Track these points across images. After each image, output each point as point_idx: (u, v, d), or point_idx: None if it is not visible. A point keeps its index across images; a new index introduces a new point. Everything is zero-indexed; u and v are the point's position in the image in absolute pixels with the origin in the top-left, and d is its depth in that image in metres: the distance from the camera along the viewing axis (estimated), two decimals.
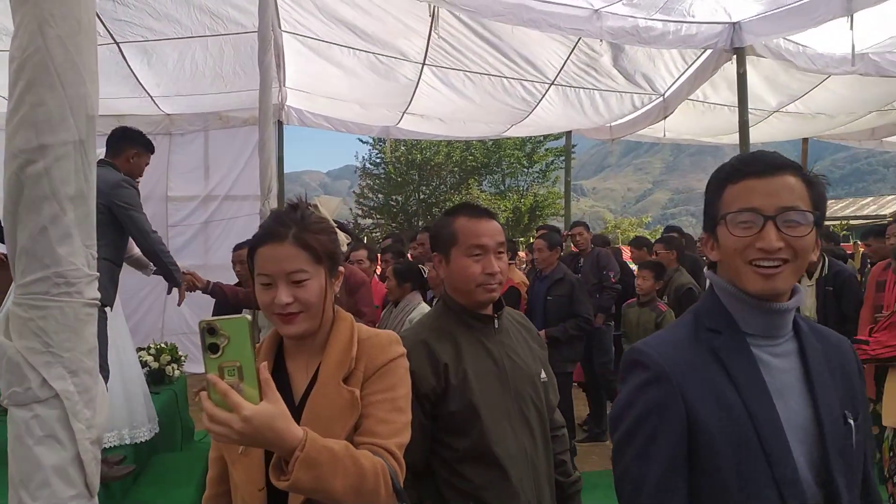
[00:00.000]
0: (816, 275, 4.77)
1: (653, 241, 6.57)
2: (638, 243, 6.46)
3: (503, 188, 28.92)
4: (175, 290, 3.82)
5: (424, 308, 4.08)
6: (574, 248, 6.34)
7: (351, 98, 7.03)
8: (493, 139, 21.92)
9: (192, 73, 5.96)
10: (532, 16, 4.62)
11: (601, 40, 4.97)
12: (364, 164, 28.89)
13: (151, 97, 6.39)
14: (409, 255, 5.99)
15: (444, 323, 1.81)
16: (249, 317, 1.14)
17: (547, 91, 6.88)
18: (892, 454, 3.71)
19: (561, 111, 7.48)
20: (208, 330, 1.10)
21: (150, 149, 3.83)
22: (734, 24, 5.23)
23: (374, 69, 6.13)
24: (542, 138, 24.43)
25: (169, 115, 7.02)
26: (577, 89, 6.96)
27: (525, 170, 28.23)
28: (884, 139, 9.81)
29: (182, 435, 4.73)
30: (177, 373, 4.77)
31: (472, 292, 1.77)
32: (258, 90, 3.93)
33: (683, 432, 1.12)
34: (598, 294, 5.74)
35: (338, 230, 1.50)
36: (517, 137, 23.15)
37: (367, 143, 27.45)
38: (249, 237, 1.42)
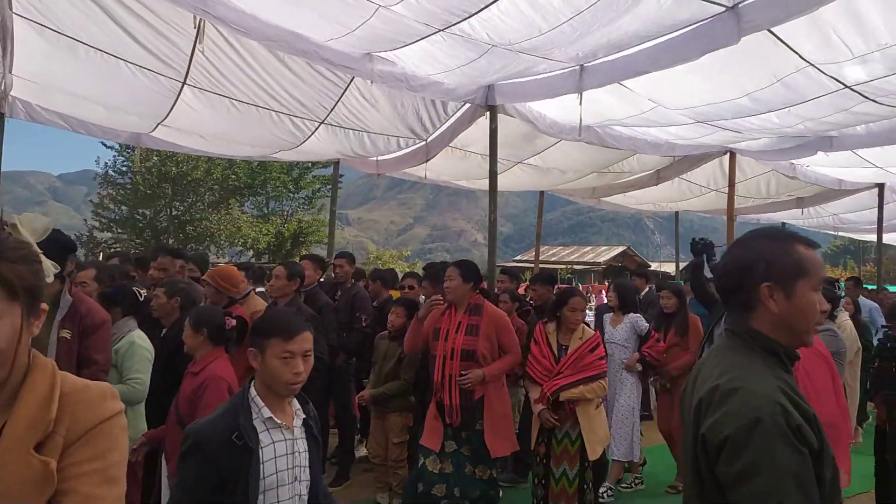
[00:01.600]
0: None
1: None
2: (374, 276, 6.49)
3: (266, 211, 28.12)
4: None
5: (137, 336, 3.70)
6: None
7: (94, 99, 6.25)
8: (259, 160, 21.22)
9: None
10: (305, 46, 4.59)
11: (371, 82, 5.14)
12: (107, 171, 26.01)
13: None
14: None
15: (773, 366, 1.52)
16: None
17: (317, 129, 6.91)
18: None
19: (330, 146, 7.56)
20: None
21: None
22: (489, 85, 5.84)
23: (123, 76, 5.52)
24: (310, 165, 24.32)
25: None
26: (346, 130, 7.10)
27: (291, 195, 27.81)
28: (601, 198, 11.67)
29: None
30: None
31: (808, 332, 1.56)
32: None
33: None
34: (347, 333, 5.63)
35: (43, 258, 1.21)
36: (285, 162, 22.75)
37: (112, 147, 24.74)
38: None
